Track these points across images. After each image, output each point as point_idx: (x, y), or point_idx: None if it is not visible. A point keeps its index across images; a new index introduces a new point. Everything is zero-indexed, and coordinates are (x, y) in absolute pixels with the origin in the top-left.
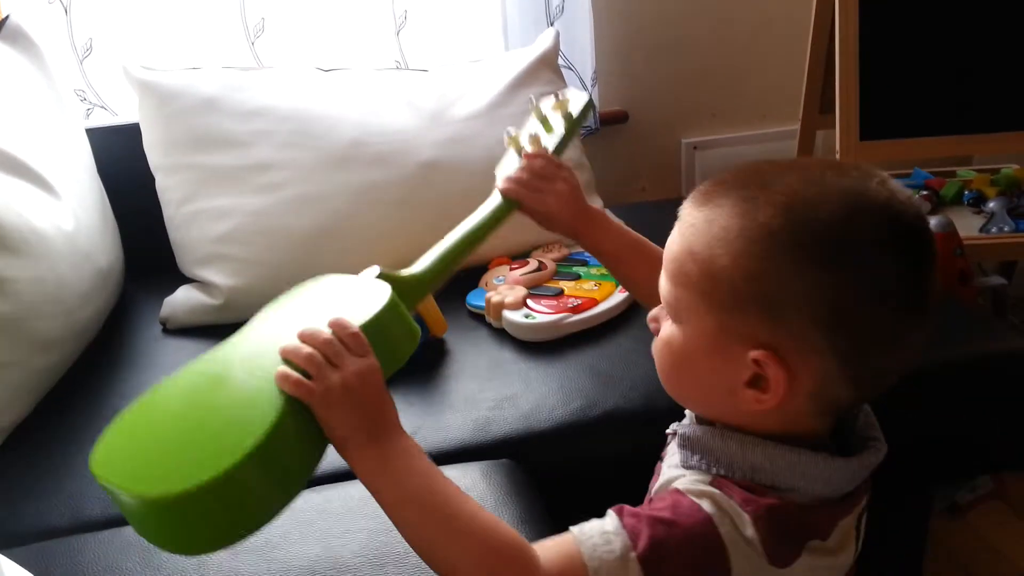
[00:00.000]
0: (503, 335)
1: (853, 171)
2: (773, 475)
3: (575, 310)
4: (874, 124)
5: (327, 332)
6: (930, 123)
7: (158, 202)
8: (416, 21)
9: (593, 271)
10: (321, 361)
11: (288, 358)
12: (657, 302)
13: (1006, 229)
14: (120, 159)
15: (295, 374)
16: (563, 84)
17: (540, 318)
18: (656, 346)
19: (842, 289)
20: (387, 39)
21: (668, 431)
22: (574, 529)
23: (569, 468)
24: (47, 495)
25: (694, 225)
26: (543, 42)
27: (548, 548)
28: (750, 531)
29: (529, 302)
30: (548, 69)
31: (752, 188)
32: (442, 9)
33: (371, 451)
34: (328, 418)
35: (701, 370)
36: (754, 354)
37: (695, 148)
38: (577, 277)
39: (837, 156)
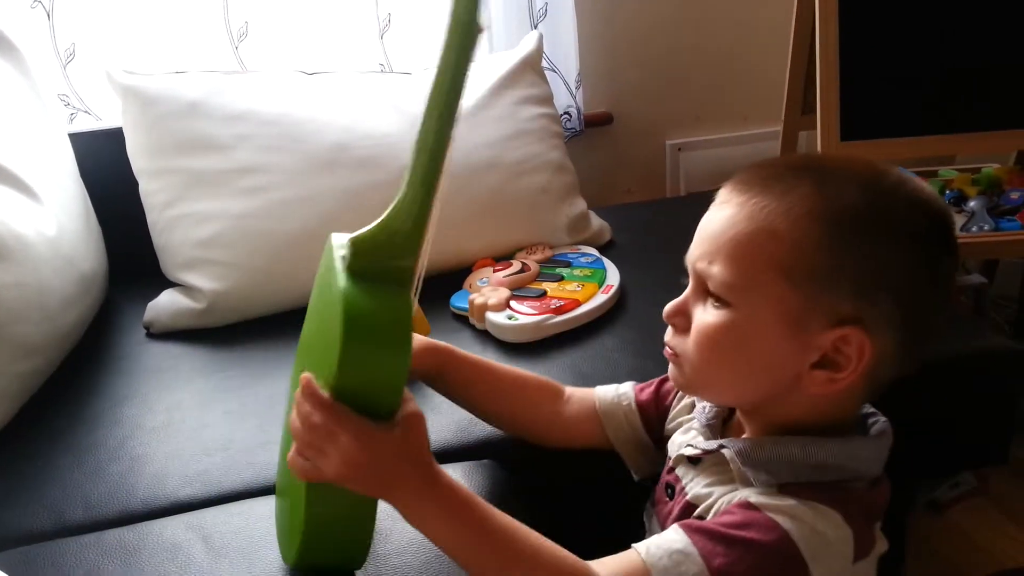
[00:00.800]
0: (487, 337)
1: (891, 168)
2: (838, 469)
3: (558, 311)
4: (855, 124)
5: (306, 411)
6: (911, 123)
7: (142, 207)
8: (400, 24)
9: (576, 272)
10: (314, 450)
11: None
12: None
13: (986, 228)
14: (104, 164)
15: (301, 462)
16: (547, 87)
17: (523, 319)
18: (702, 335)
19: (917, 267)
20: (371, 42)
21: (687, 452)
22: (639, 547)
23: (551, 468)
24: (29, 500)
25: (766, 206)
26: (526, 44)
27: (612, 569)
28: (844, 531)
29: (512, 303)
30: (532, 71)
31: (822, 171)
32: (426, 12)
33: (411, 503)
34: (355, 488)
35: (768, 353)
36: (839, 331)
37: (679, 149)
38: (560, 278)
39: None
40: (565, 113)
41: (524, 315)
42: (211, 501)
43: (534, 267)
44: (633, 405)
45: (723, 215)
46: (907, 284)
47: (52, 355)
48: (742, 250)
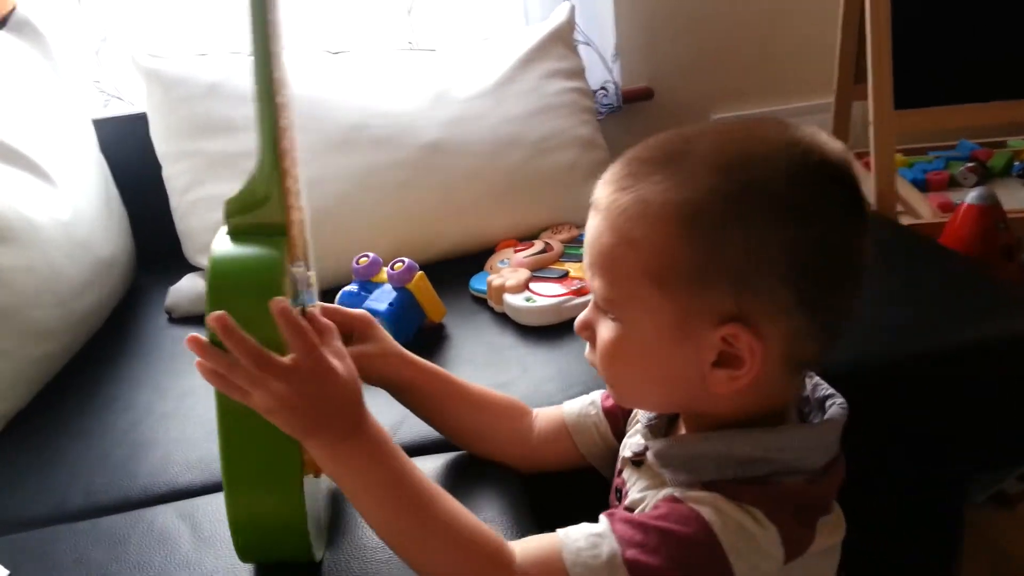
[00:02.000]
0: (505, 320)
1: (770, 125)
2: (767, 463)
3: (578, 292)
4: (911, 91)
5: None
6: (973, 88)
7: (167, 192)
8: (427, 1)
9: None
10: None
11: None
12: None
13: None
14: (131, 149)
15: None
16: (578, 60)
17: (541, 301)
18: (602, 352)
19: (801, 238)
20: (399, 20)
21: (626, 454)
22: (560, 530)
23: None
24: (33, 485)
25: (625, 210)
26: (556, 17)
27: (528, 548)
28: (768, 529)
29: (532, 285)
30: (561, 45)
31: (677, 158)
32: None
33: (335, 444)
34: (283, 420)
35: (665, 363)
36: (723, 330)
37: None
38: None
39: (871, 127)
40: (602, 88)
41: (543, 297)
42: (209, 488)
43: (558, 247)
44: (601, 413)
45: (592, 224)
46: (792, 263)
47: (67, 340)
48: (609, 263)
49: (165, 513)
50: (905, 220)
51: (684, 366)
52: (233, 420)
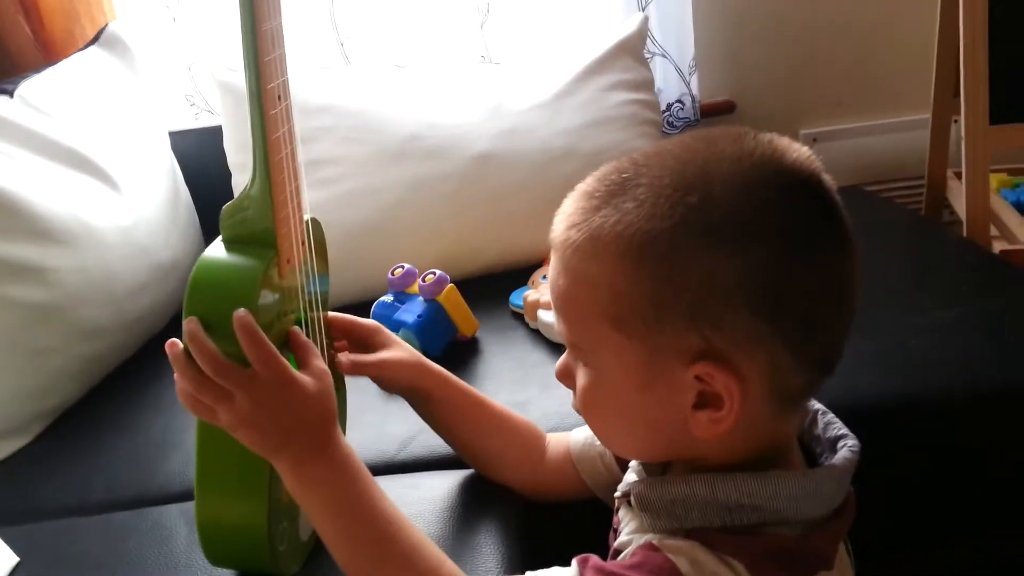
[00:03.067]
0: (538, 337)
1: (724, 136)
2: (756, 511)
3: None
4: (1009, 105)
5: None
6: None
7: None
8: (499, 14)
9: None
10: (212, 397)
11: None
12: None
13: None
14: (207, 160)
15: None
16: (645, 72)
17: None
18: (580, 400)
19: (771, 264)
20: (471, 33)
21: (616, 494)
22: (529, 573)
23: None
24: (62, 478)
25: (580, 249)
26: (626, 27)
27: None
28: None
29: None
30: (628, 56)
31: (625, 187)
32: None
33: (302, 461)
34: (249, 438)
35: (642, 409)
36: (695, 369)
37: (815, 140)
38: None
39: (962, 143)
40: (678, 102)
41: None
42: None
43: None
44: None
45: (551, 264)
46: (757, 289)
47: (119, 339)
48: (569, 307)
49: (170, 512)
50: (998, 245)
51: (662, 410)
52: (209, 425)
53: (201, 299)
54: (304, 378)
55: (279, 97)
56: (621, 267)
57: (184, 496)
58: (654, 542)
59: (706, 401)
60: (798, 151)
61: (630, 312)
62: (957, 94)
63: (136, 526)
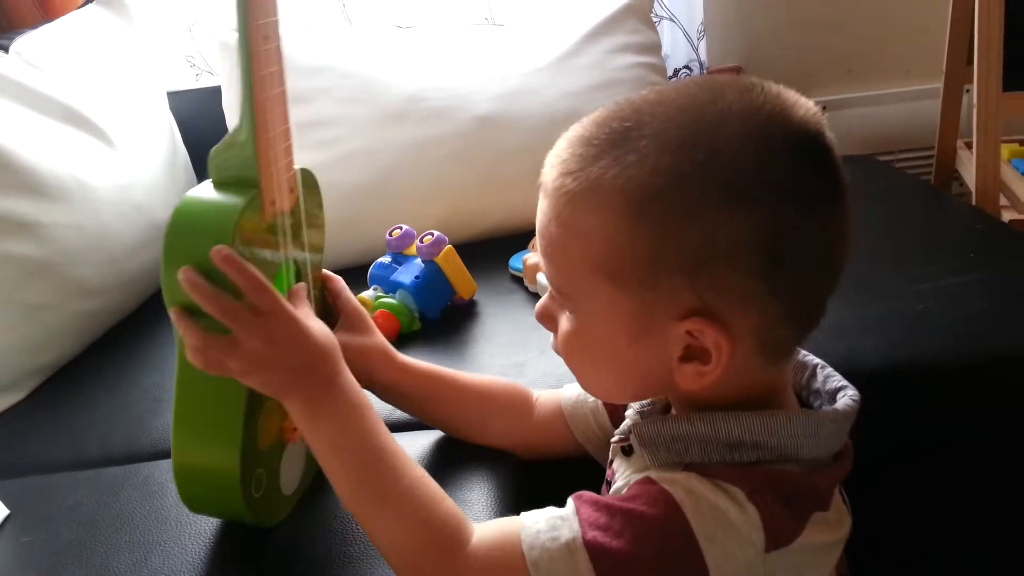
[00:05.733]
0: (537, 299)
1: (730, 87)
2: (756, 448)
3: None
4: (1022, 72)
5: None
6: None
7: None
8: None
9: None
10: (227, 343)
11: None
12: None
13: None
14: (208, 120)
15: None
16: (652, 34)
17: None
18: (563, 344)
19: (773, 224)
20: None
21: (613, 440)
22: (524, 513)
23: None
24: (54, 433)
25: (575, 199)
26: None
27: (487, 528)
28: (747, 510)
29: None
30: (634, 17)
31: (627, 137)
32: None
33: (313, 397)
34: (261, 380)
35: (628, 357)
36: (686, 324)
37: (824, 108)
38: None
39: (974, 111)
40: (686, 67)
41: None
42: None
43: None
44: (600, 401)
45: (541, 207)
46: (758, 249)
47: (116, 297)
48: (561, 255)
49: (160, 468)
50: (1007, 215)
51: (647, 360)
52: (186, 366)
53: (181, 237)
54: (304, 312)
55: (266, 37)
56: (621, 222)
57: None
58: (651, 476)
59: (693, 354)
60: (804, 107)
61: (626, 266)
62: (970, 62)
63: (125, 481)
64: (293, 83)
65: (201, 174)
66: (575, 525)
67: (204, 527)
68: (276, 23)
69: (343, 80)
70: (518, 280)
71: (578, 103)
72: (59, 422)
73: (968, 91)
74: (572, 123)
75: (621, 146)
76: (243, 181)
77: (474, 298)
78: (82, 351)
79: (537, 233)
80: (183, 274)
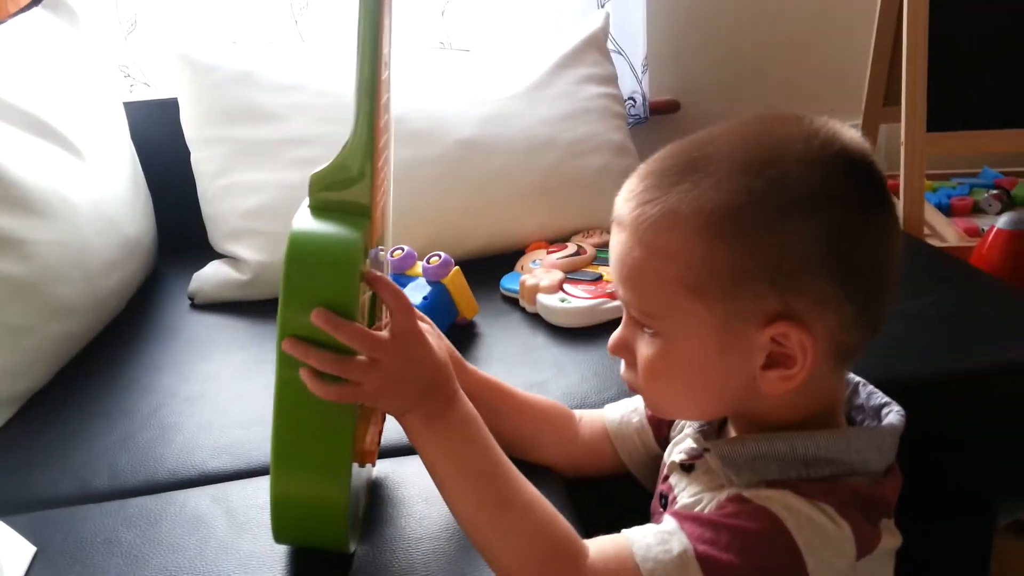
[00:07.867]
0: (537, 320)
1: (779, 119)
2: (831, 464)
3: (613, 296)
4: (944, 114)
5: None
6: (1009, 113)
7: (194, 177)
8: (462, 1)
9: None
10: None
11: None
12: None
13: None
14: (159, 134)
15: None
16: (611, 67)
17: (576, 303)
18: (645, 369)
19: (840, 231)
20: (432, 20)
21: (676, 459)
22: (625, 531)
23: None
24: (56, 464)
25: (657, 223)
26: (592, 23)
27: (600, 545)
28: (840, 524)
29: (565, 286)
30: (595, 51)
31: (700, 164)
32: None
33: (432, 416)
34: (389, 402)
35: (713, 371)
36: (771, 330)
37: None
38: None
39: (901, 149)
40: (630, 98)
41: (577, 298)
42: (240, 474)
43: (590, 250)
44: (644, 421)
45: (619, 239)
46: (830, 254)
47: (90, 319)
48: (645, 278)
49: (197, 496)
50: (932, 243)
51: (731, 372)
52: (290, 397)
53: (304, 269)
54: (425, 330)
55: (386, 65)
56: (701, 239)
57: (202, 480)
58: (744, 494)
59: (775, 361)
60: (851, 132)
61: (712, 280)
62: (887, 103)
63: (161, 512)
64: (264, 99)
65: (154, 189)
66: (683, 539)
67: (265, 550)
68: (390, 53)
69: (318, 99)
70: (511, 301)
71: (554, 131)
72: (59, 452)
73: (880, 130)
74: (550, 148)
75: (694, 172)
76: (348, 208)
77: (473, 319)
78: (56, 376)
79: (615, 264)
80: (318, 316)
